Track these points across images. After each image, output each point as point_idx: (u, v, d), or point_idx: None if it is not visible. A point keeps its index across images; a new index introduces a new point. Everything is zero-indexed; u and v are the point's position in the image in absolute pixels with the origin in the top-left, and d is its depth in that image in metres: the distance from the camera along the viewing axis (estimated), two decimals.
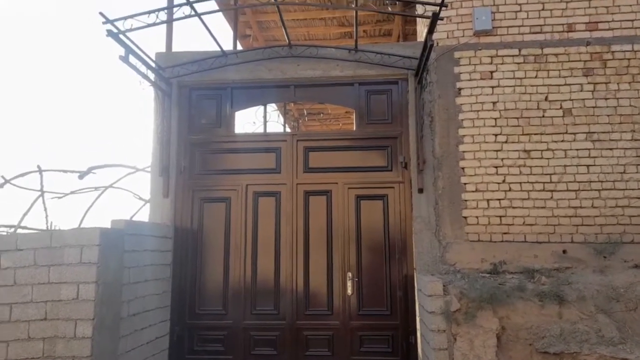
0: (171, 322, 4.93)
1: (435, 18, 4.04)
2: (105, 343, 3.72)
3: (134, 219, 6.29)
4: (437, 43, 5.04)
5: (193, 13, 4.34)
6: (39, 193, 6.09)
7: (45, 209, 6.01)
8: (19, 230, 5.65)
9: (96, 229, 3.75)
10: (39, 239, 3.84)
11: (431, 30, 4.16)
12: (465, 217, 4.80)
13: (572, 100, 4.87)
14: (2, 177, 6.03)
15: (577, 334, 3.61)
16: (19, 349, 3.63)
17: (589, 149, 4.78)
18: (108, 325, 3.76)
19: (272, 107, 8.47)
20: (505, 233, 4.73)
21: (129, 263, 4.14)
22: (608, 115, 4.82)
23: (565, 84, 4.90)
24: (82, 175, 6.14)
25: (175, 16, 4.42)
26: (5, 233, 5.49)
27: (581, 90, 4.88)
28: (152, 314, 4.54)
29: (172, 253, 5.04)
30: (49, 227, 5.81)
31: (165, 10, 4.26)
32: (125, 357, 4.00)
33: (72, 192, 6.36)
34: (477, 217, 4.79)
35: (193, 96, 5.45)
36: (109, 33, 4.12)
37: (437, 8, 4.01)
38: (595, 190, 4.70)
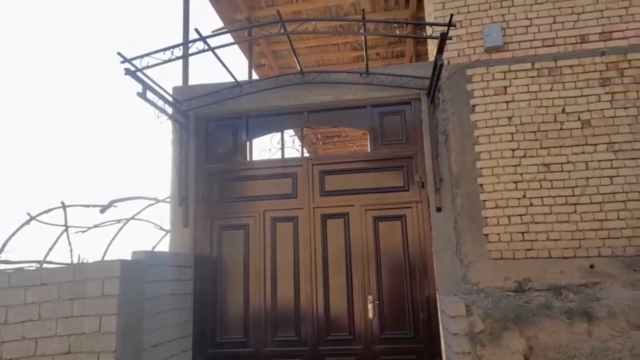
0: (193, 352, 4.92)
1: (443, 38, 4.05)
2: None
3: (155, 249, 6.37)
4: (449, 62, 5.04)
5: (207, 47, 4.46)
6: (63, 228, 6.26)
7: (70, 243, 6.18)
8: (45, 265, 5.79)
9: (117, 261, 3.81)
10: (62, 273, 3.92)
11: (440, 50, 4.17)
12: (486, 235, 4.69)
13: (590, 111, 4.78)
14: (28, 214, 6.22)
15: (609, 352, 3.44)
16: None
17: (610, 160, 4.65)
18: (130, 357, 3.78)
19: (289, 132, 8.58)
20: (528, 249, 4.61)
21: (150, 294, 4.17)
22: (629, 125, 4.70)
23: (582, 95, 4.82)
24: (103, 209, 6.30)
25: (190, 51, 4.55)
26: (32, 268, 5.62)
27: (599, 101, 4.78)
28: (174, 344, 4.55)
29: (192, 282, 5.06)
30: (74, 261, 5.94)
31: (180, 47, 4.38)
32: None
33: (95, 226, 6.53)
34: (498, 234, 4.68)
35: (209, 126, 5.57)
36: (127, 71, 4.27)
37: (445, 28, 4.03)
38: (620, 201, 4.55)
